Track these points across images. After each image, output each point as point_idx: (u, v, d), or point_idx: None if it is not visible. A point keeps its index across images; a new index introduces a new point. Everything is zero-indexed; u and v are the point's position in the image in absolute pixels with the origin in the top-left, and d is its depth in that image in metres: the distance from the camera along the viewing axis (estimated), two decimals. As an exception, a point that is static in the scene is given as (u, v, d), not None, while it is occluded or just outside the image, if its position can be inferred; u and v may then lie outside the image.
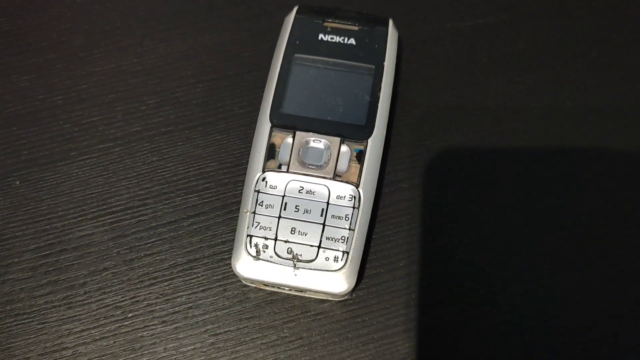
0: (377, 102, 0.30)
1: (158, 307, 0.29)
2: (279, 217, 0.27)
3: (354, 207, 0.27)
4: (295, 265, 0.27)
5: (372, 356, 0.28)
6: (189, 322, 0.29)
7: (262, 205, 0.27)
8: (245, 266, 0.27)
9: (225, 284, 0.29)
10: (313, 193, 0.28)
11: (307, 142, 0.29)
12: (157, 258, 0.30)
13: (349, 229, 0.27)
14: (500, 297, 0.29)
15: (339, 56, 0.31)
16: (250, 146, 0.30)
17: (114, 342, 0.28)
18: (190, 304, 0.29)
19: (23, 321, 0.29)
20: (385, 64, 0.31)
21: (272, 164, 0.28)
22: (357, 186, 0.28)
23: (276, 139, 0.29)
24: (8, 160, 0.32)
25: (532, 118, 0.33)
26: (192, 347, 0.28)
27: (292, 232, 0.27)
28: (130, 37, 0.36)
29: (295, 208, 0.27)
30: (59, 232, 0.31)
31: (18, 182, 0.32)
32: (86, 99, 0.34)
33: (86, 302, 0.29)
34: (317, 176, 0.28)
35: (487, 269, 0.30)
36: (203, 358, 0.28)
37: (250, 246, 0.27)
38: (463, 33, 0.36)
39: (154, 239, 0.30)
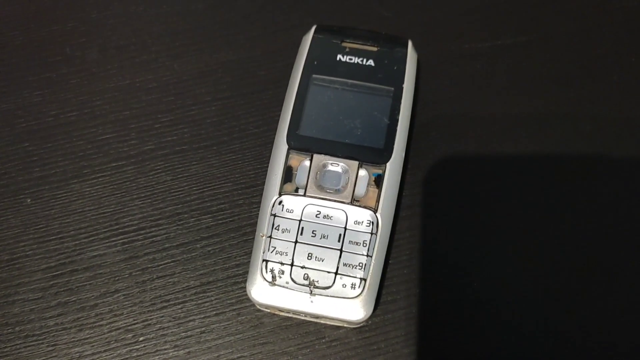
0: (396, 125, 0.29)
1: (170, 330, 0.28)
2: (296, 241, 0.27)
3: (372, 233, 0.27)
4: (311, 291, 0.26)
5: (389, 386, 0.27)
6: (201, 346, 0.28)
7: (278, 230, 0.27)
8: (261, 292, 0.27)
9: (239, 308, 0.29)
10: (330, 218, 0.27)
11: (325, 166, 0.28)
12: (170, 280, 0.29)
13: (367, 255, 0.27)
14: (518, 325, 0.28)
15: (357, 78, 0.30)
16: (266, 166, 0.29)
17: (125, 367, 0.28)
18: (203, 328, 0.28)
19: (32, 343, 0.28)
20: (405, 86, 0.30)
21: (288, 187, 0.28)
22: (375, 211, 0.27)
23: (293, 162, 0.28)
24: (19, 177, 0.32)
25: (551, 142, 0.33)
26: (205, 373, 0.28)
27: (309, 257, 0.27)
28: (145, 53, 0.36)
29: (312, 233, 0.27)
30: (71, 251, 0.30)
31: (29, 200, 0.31)
32: (100, 116, 0.34)
33: (97, 324, 0.29)
34: (335, 200, 0.27)
35: (504, 296, 0.29)
36: (216, 385, 0.27)
37: (266, 271, 0.27)
38: (482, 54, 0.35)
39: (166, 261, 0.30)
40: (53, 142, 0.33)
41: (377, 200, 0.28)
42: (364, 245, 0.27)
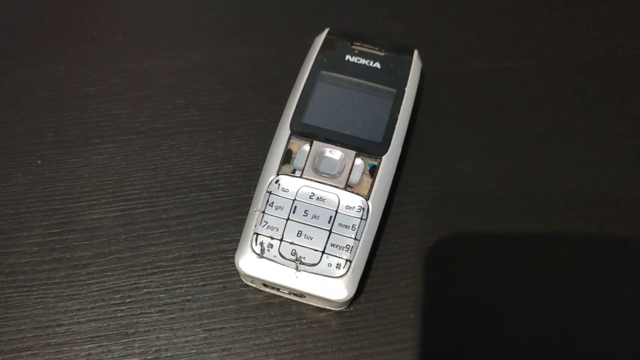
0: (395, 123, 0.31)
1: (157, 296, 0.29)
2: (288, 219, 0.28)
3: (361, 218, 0.28)
4: (297, 267, 0.27)
5: (363, 371, 0.28)
6: (185, 314, 0.29)
7: (272, 206, 0.28)
8: (248, 263, 0.27)
9: (226, 281, 0.30)
10: (323, 200, 0.28)
11: (323, 152, 0.29)
12: (163, 249, 0.30)
13: (355, 239, 0.27)
14: (496, 328, 0.29)
15: (363, 77, 0.32)
16: (267, 153, 0.30)
17: (109, 325, 0.28)
18: (188, 297, 0.29)
19: (23, 293, 0.29)
20: (407, 89, 0.32)
21: (286, 168, 0.29)
22: (367, 199, 0.28)
23: (293, 146, 0.30)
24: (33, 139, 0.34)
25: (543, 161, 0.34)
26: (185, 339, 0.28)
27: (299, 235, 0.27)
28: (166, 41, 0.38)
29: (304, 212, 0.28)
30: (71, 212, 0.31)
31: (40, 161, 0.33)
32: (116, 93, 0.35)
33: (87, 282, 0.29)
34: (329, 185, 0.29)
35: (487, 290, 0.30)
36: (194, 351, 0.28)
37: (256, 244, 0.27)
38: (484, 73, 0.37)
39: (162, 230, 0.31)
40: (69, 112, 0.35)
41: (370, 189, 0.29)
42: (353, 229, 0.28)
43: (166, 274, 0.30)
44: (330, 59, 0.33)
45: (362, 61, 0.33)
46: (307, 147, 0.29)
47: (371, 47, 0.33)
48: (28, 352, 0.27)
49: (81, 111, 0.35)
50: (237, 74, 0.36)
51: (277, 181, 0.29)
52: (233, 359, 0.27)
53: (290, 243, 0.27)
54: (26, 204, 0.31)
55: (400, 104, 0.31)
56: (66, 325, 0.28)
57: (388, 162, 0.29)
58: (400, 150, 0.31)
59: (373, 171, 0.29)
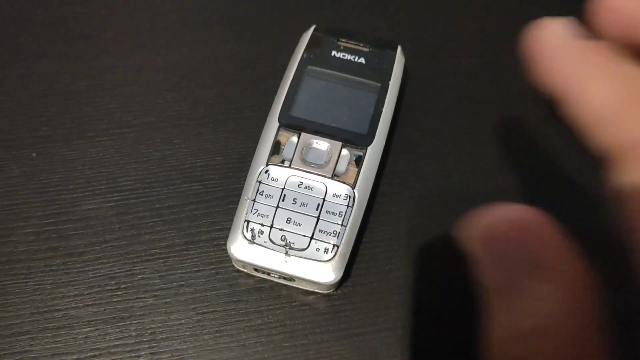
0: (380, 115, 0.32)
1: (151, 281, 0.30)
2: (277, 207, 0.29)
3: (347, 206, 0.29)
4: (287, 252, 0.28)
5: (350, 350, 0.29)
6: (178, 298, 0.30)
7: (262, 195, 0.29)
8: (240, 249, 0.28)
9: (218, 267, 0.31)
10: (311, 189, 0.30)
11: (311, 143, 0.31)
12: (156, 237, 0.31)
13: (341, 225, 0.29)
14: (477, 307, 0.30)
15: (348, 72, 0.34)
16: (257, 145, 0.32)
17: (105, 310, 0.29)
18: (182, 282, 0.30)
19: (20, 280, 0.30)
20: (391, 83, 0.33)
21: (275, 159, 0.30)
22: (353, 187, 0.30)
23: (282, 138, 0.31)
24: (27, 133, 0.34)
25: (522, 148, 0.36)
26: (179, 322, 0.29)
27: (288, 221, 0.29)
28: (157, 38, 0.39)
29: (293, 200, 0.29)
30: (66, 203, 0.32)
31: (34, 154, 0.34)
32: (108, 88, 0.36)
33: (83, 269, 0.30)
34: (317, 174, 0.30)
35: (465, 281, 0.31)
36: (188, 333, 0.29)
37: (247, 230, 0.29)
38: (467, 68, 0.39)
39: (155, 219, 0.32)
40: (62, 106, 0.35)
41: (356, 178, 0.30)
42: (340, 215, 0.29)
43: (160, 260, 0.31)
44: (316, 55, 0.34)
45: (348, 56, 0.34)
46: (295, 138, 0.31)
47: (356, 43, 0.35)
48: (27, 336, 0.28)
49: (74, 106, 0.36)
50: (227, 70, 0.38)
51: (266, 171, 0.30)
52: (226, 340, 0.29)
53: (280, 229, 0.29)
54: (22, 195, 0.32)
55: (385, 97, 0.33)
56: (63, 310, 0.29)
57: (373, 153, 0.31)
58: (384, 142, 0.32)
59: (359, 161, 0.31)
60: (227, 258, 0.30)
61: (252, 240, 0.28)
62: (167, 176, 0.33)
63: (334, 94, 0.33)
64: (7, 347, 0.28)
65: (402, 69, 0.35)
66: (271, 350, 0.29)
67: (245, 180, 0.31)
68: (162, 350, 0.28)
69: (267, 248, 0.28)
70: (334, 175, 0.30)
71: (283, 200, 0.29)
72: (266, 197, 0.29)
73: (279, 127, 0.31)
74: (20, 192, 0.32)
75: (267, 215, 0.29)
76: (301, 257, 0.28)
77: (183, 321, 0.29)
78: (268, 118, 0.32)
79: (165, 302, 0.30)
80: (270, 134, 0.31)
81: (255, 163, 0.31)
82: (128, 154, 0.34)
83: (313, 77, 0.34)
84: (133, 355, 0.28)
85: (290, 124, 0.31)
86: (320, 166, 0.30)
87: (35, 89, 0.36)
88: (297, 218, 0.29)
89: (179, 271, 0.30)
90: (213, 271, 0.31)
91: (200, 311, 0.29)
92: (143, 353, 0.28)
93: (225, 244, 0.30)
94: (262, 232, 0.29)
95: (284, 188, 0.30)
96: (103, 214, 0.32)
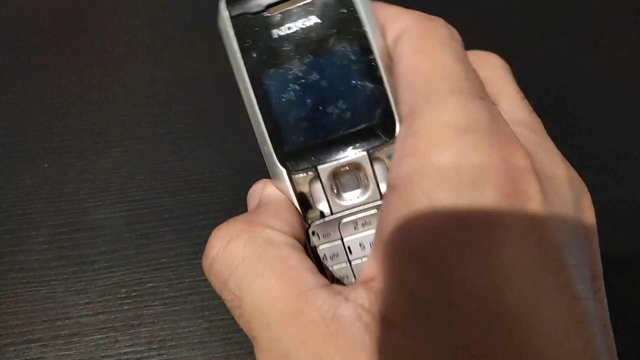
0: (382, 83, 0.22)
1: (160, 290, 0.31)
2: (349, 261, 0.23)
3: None
4: None
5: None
6: (187, 306, 0.30)
7: (327, 259, 0.23)
8: None
9: (226, 276, 0.31)
10: (370, 223, 0.23)
11: (335, 174, 0.23)
12: (165, 246, 0.32)
13: None
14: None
15: (310, 49, 0.22)
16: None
17: (115, 317, 0.30)
18: (191, 290, 0.31)
19: (33, 289, 0.31)
20: (367, 29, 0.22)
21: (312, 213, 0.23)
22: None
23: (301, 186, 0.23)
24: (40, 144, 0.35)
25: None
26: (188, 329, 0.30)
27: None
28: (167, 53, 0.40)
29: (361, 247, 0.23)
30: (78, 213, 0.33)
31: (46, 165, 0.35)
32: (119, 100, 0.37)
33: (94, 278, 0.31)
34: (365, 203, 0.23)
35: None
36: (197, 340, 0.29)
37: None
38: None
39: (164, 229, 0.33)
40: (74, 118, 0.36)
41: None
42: None
43: (169, 269, 0.31)
44: (257, 48, 0.22)
45: (294, 26, 0.22)
46: (316, 182, 0.23)
47: None
48: (39, 343, 0.29)
49: (86, 117, 0.36)
50: (234, 84, 0.38)
51: (313, 232, 0.23)
52: (233, 347, 0.29)
53: None
54: (34, 205, 0.33)
55: (372, 54, 0.22)
56: (75, 317, 0.30)
57: None
58: None
59: None
60: (234, 267, 0.31)
61: None
62: (176, 187, 0.34)
63: (316, 88, 0.22)
64: (20, 354, 0.29)
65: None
66: (278, 358, 0.29)
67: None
68: (171, 357, 0.29)
69: None
70: (382, 195, 0.22)
71: (351, 252, 0.23)
72: (332, 259, 0.23)
73: (289, 174, 0.22)
74: (32, 201, 0.33)
75: (345, 276, 0.23)
76: None
77: (192, 328, 0.30)
78: (268, 164, 0.23)
79: (175, 310, 0.30)
80: (289, 189, 0.23)
81: None
82: (138, 165, 0.35)
83: (275, 83, 0.23)
84: (143, 361, 0.29)
85: (298, 164, 0.22)
86: (362, 194, 0.23)
87: (47, 101, 0.37)
88: None
89: (187, 280, 0.31)
90: (221, 280, 0.31)
91: (208, 319, 0.30)
92: (153, 360, 0.29)
93: (232, 254, 0.31)
94: None
95: (342, 239, 0.23)
96: (113, 224, 0.33)
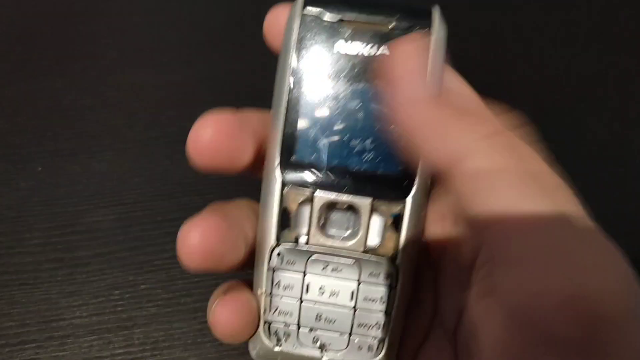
0: None
1: (154, 291, 0.31)
2: (300, 300, 0.22)
3: (390, 287, 0.21)
4: (322, 356, 0.22)
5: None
6: (180, 308, 0.31)
7: (278, 287, 0.22)
8: (265, 354, 0.22)
9: (218, 277, 0.32)
10: (340, 271, 0.22)
11: (330, 207, 0.21)
12: (159, 248, 0.33)
13: (385, 313, 0.21)
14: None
15: (364, 74, 0.21)
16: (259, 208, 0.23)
17: (109, 319, 0.30)
18: (184, 292, 0.31)
19: (27, 290, 0.31)
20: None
21: (288, 234, 0.21)
22: (393, 261, 0.21)
23: (290, 202, 0.21)
24: (34, 148, 0.36)
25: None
26: (181, 330, 0.30)
27: (318, 318, 0.22)
28: (160, 58, 0.40)
29: (320, 290, 0.22)
30: (71, 215, 0.33)
31: (40, 168, 0.35)
32: (112, 105, 0.38)
33: (87, 280, 0.31)
34: (345, 249, 0.21)
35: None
36: (190, 341, 0.30)
37: (270, 334, 0.22)
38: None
39: (157, 231, 0.33)
40: (68, 122, 0.37)
41: (396, 248, 0.21)
42: (382, 302, 0.21)
43: (163, 271, 0.32)
44: (313, 55, 0.21)
45: (360, 48, 0.21)
46: (307, 205, 0.21)
47: (369, 19, 0.21)
48: (33, 345, 0.29)
49: (79, 121, 0.37)
50: (226, 88, 0.39)
51: (279, 254, 0.22)
52: (226, 347, 0.30)
53: (310, 330, 0.22)
54: (28, 208, 0.33)
55: None
56: (69, 319, 0.30)
57: (415, 206, 0.21)
58: (429, 182, 0.21)
59: (397, 222, 0.21)
60: (227, 269, 0.31)
61: (278, 345, 0.22)
62: (169, 190, 0.35)
63: (349, 116, 0.21)
64: (14, 355, 0.29)
65: (444, 45, 0.20)
66: (270, 358, 0.30)
67: (244, 195, 0.32)
68: (165, 358, 0.29)
69: (297, 352, 0.22)
70: (368, 249, 0.21)
71: (307, 291, 0.22)
72: (285, 289, 0.22)
73: (284, 185, 0.21)
74: (26, 204, 0.34)
75: (290, 313, 0.22)
76: (341, 359, 0.22)
77: (185, 330, 0.30)
78: (266, 168, 0.21)
79: (168, 312, 0.31)
80: (274, 199, 0.21)
81: (262, 242, 0.22)
82: (131, 168, 0.35)
83: (314, 93, 0.21)
84: (136, 362, 0.29)
85: (297, 178, 0.21)
86: (347, 238, 0.21)
87: (41, 105, 0.37)
88: (329, 313, 0.22)
89: (180, 282, 0.32)
90: (214, 282, 0.31)
91: (201, 320, 0.31)
92: (146, 360, 0.29)
93: (225, 256, 0.31)
94: (288, 335, 0.22)
95: (304, 273, 0.22)
96: (107, 226, 0.33)
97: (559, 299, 0.15)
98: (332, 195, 0.21)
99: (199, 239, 0.20)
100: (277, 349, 0.22)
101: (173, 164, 0.36)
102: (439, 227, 0.22)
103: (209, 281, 0.32)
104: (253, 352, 0.23)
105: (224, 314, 0.20)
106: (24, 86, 0.38)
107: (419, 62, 0.18)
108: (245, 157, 0.21)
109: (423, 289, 0.22)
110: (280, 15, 0.20)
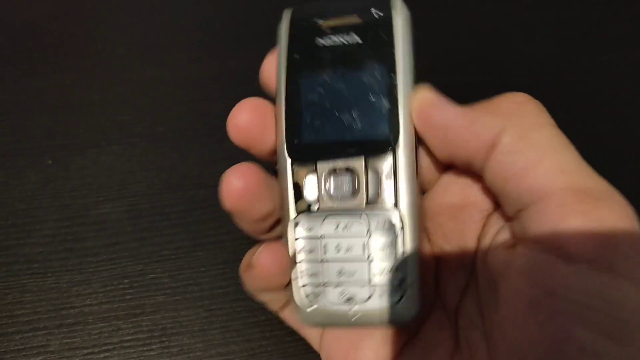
0: (397, 103, 0.24)
1: (162, 280, 0.32)
2: (322, 261, 0.24)
3: (396, 234, 0.23)
4: (351, 308, 0.24)
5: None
6: (187, 296, 0.32)
7: (303, 252, 0.24)
8: (305, 317, 0.24)
9: (224, 267, 0.33)
10: (351, 227, 0.24)
11: (331, 172, 0.24)
12: (166, 239, 0.33)
13: (396, 257, 0.23)
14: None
15: (344, 62, 0.25)
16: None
17: (118, 307, 0.31)
18: (191, 281, 0.32)
19: (38, 279, 0.32)
20: (398, 55, 0.24)
21: (301, 205, 0.24)
22: (395, 207, 0.23)
23: (299, 177, 0.24)
24: (44, 142, 0.36)
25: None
26: (188, 318, 0.31)
27: (340, 274, 0.24)
28: (167, 54, 0.41)
29: (336, 248, 0.24)
30: (81, 207, 0.34)
31: (50, 162, 0.36)
32: (120, 100, 0.39)
33: (97, 269, 0.32)
34: (350, 208, 0.24)
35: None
36: (197, 328, 0.31)
37: (306, 297, 0.24)
38: (453, 87, 0.41)
39: (165, 223, 0.34)
40: (76, 117, 0.38)
41: (396, 195, 0.23)
42: (392, 247, 0.23)
43: (170, 261, 0.33)
44: (302, 52, 0.25)
45: (337, 39, 0.25)
46: (312, 174, 0.24)
47: (339, 17, 0.25)
48: (44, 332, 0.30)
49: (88, 116, 0.38)
50: (233, 84, 0.40)
51: (297, 224, 0.24)
52: (232, 334, 0.31)
53: (335, 285, 0.24)
54: (38, 200, 0.34)
55: (395, 76, 0.24)
56: (79, 307, 0.31)
57: (404, 152, 0.23)
58: (414, 136, 0.24)
59: (390, 173, 0.24)
60: (233, 258, 0.32)
61: (311, 305, 0.24)
62: (176, 183, 0.35)
63: (338, 96, 0.25)
64: (26, 341, 0.30)
65: (408, 29, 0.25)
66: (274, 344, 0.31)
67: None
68: (172, 344, 0.30)
69: (330, 309, 0.24)
70: (370, 201, 0.23)
71: (325, 252, 0.24)
72: (308, 253, 0.24)
73: (292, 163, 0.24)
74: (37, 197, 0.34)
75: (315, 274, 0.24)
76: (369, 308, 0.24)
77: (192, 317, 0.31)
78: (278, 152, 0.25)
79: (175, 300, 0.31)
80: (287, 177, 0.24)
81: (284, 217, 0.25)
82: (139, 162, 0.36)
83: (308, 82, 0.25)
84: (145, 349, 0.30)
85: (302, 155, 0.24)
86: (350, 197, 0.24)
87: (51, 101, 0.38)
88: (348, 267, 0.24)
89: (187, 271, 0.32)
90: (220, 271, 0.33)
91: (208, 308, 0.31)
92: (154, 347, 0.30)
93: (230, 246, 0.32)
94: (317, 295, 0.24)
95: (321, 237, 0.24)
96: (115, 218, 0.34)
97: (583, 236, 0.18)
98: (331, 163, 0.24)
99: (240, 176, 0.24)
100: (312, 309, 0.24)
101: (180, 157, 0.36)
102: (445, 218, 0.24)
103: (215, 270, 0.33)
104: (299, 319, 0.25)
105: (268, 256, 0.23)
106: (35, 82, 0.39)
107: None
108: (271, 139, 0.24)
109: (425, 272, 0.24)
110: (271, 64, 0.25)
